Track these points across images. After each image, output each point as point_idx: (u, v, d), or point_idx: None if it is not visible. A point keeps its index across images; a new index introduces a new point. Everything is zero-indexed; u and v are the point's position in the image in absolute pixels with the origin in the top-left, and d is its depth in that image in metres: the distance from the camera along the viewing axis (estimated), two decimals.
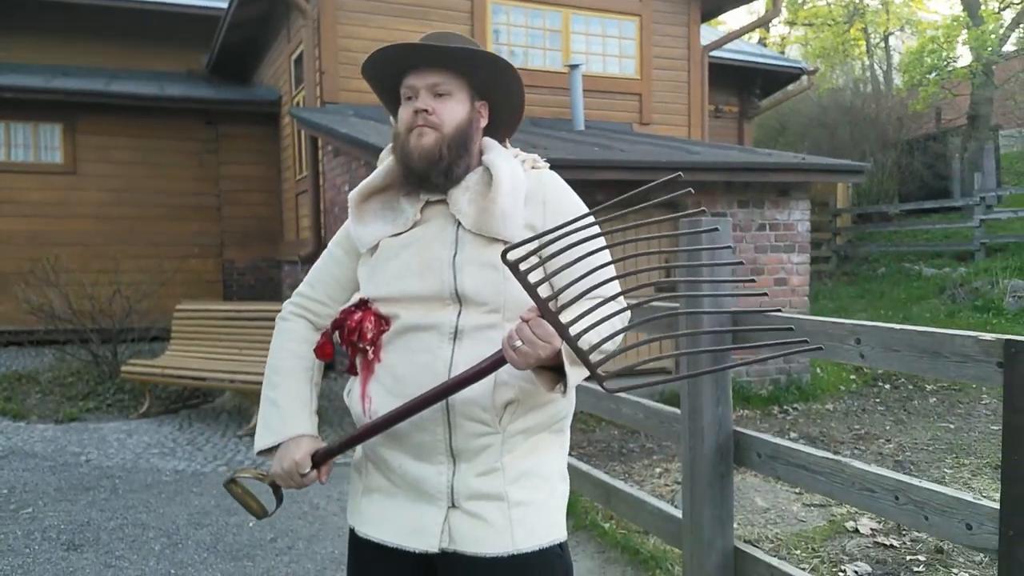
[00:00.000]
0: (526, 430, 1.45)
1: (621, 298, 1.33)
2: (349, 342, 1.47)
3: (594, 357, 1.28)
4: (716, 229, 1.09)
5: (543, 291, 1.25)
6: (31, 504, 4.17)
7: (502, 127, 1.59)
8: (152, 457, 5.07)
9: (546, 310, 1.23)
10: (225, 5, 9.25)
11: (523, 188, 1.47)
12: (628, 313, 1.45)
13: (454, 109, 1.47)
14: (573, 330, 1.24)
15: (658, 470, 4.60)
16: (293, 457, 1.49)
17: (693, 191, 1.28)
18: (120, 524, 3.90)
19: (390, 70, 1.51)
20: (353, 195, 1.55)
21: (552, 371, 1.34)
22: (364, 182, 1.56)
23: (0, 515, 4.01)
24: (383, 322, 1.46)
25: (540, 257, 1.31)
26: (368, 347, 1.45)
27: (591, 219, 1.25)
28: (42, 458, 5.03)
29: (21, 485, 4.49)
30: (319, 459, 1.50)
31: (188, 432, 5.68)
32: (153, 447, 5.29)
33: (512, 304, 1.40)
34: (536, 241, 1.24)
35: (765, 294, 1.33)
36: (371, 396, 1.45)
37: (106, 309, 7.03)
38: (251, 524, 3.85)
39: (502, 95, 1.54)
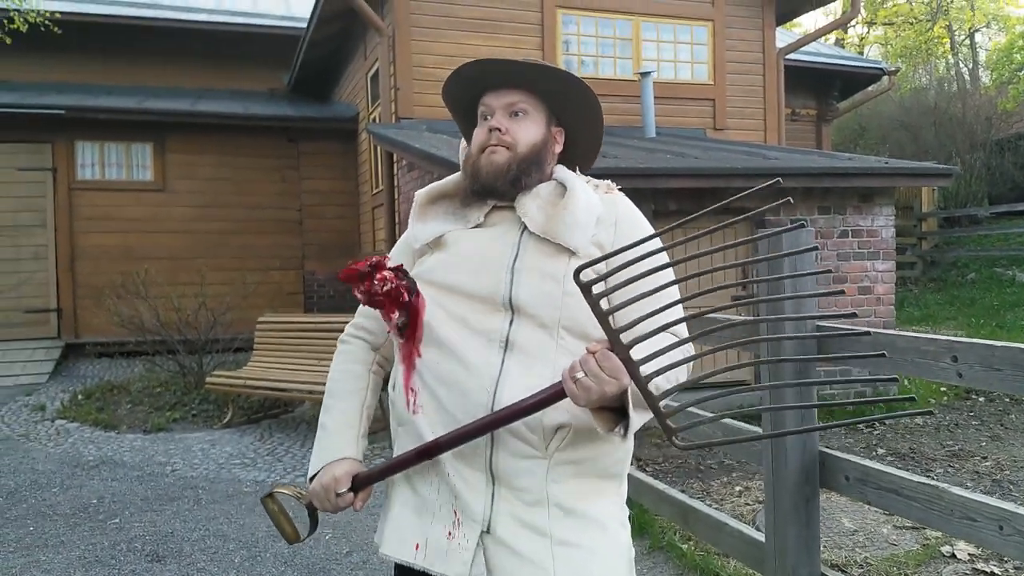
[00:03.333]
0: (576, 462, 1.33)
1: (691, 343, 1.24)
2: (386, 288, 1.34)
3: (664, 405, 1.16)
4: (803, 224, 1.00)
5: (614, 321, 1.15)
6: (118, 514, 4.31)
7: (578, 158, 1.53)
8: (234, 467, 5.21)
9: (617, 343, 1.12)
10: (304, 25, 9.53)
11: (596, 209, 1.40)
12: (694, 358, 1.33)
13: (529, 129, 1.43)
14: (644, 370, 1.14)
15: (738, 488, 4.47)
16: (333, 473, 1.43)
17: (792, 200, 1.17)
18: (202, 535, 4.00)
19: (468, 90, 1.49)
20: (420, 193, 1.52)
21: (613, 412, 1.23)
22: (433, 184, 1.53)
23: (89, 525, 4.16)
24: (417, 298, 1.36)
25: (607, 284, 1.22)
26: (401, 306, 1.34)
27: (661, 247, 1.18)
28: (131, 468, 5.21)
29: (110, 495, 4.65)
30: (359, 483, 1.43)
31: (268, 442, 5.82)
32: (235, 457, 5.44)
33: (568, 323, 1.31)
34: (611, 262, 1.16)
35: (854, 314, 1.24)
36: (415, 389, 1.37)
37: (192, 321, 7.29)
38: (327, 537, 3.91)
39: (579, 122, 1.49)
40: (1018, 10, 20.30)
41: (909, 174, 6.65)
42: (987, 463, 4.86)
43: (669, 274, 1.22)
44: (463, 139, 1.58)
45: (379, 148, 8.15)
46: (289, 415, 6.69)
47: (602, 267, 1.26)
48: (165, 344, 7.38)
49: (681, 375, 1.25)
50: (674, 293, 1.29)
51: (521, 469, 1.30)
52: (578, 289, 1.22)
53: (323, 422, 1.51)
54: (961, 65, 20.11)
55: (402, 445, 1.41)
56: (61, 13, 8.38)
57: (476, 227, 1.42)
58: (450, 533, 1.33)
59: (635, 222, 1.44)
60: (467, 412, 1.30)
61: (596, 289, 1.13)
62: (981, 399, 6.50)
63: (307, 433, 6.05)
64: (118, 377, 8.09)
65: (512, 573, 1.29)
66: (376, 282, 1.33)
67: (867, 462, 2.38)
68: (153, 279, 7.77)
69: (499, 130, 1.41)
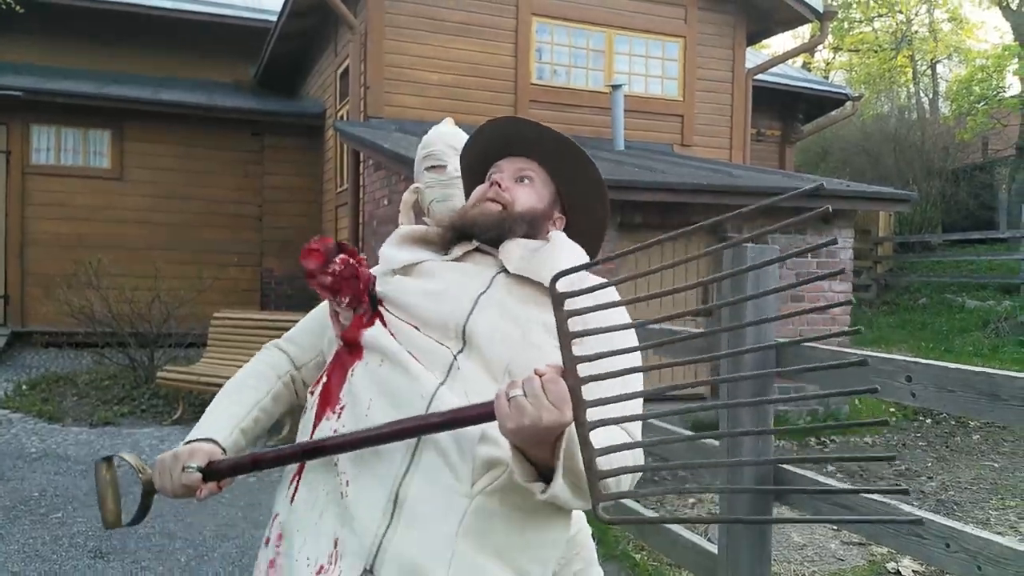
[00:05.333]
0: (493, 529, 1.10)
1: (639, 432, 1.15)
2: (346, 271, 1.23)
3: (602, 472, 0.98)
4: (835, 242, 0.93)
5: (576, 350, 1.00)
6: (61, 508, 4.19)
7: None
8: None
9: (572, 372, 0.96)
10: (274, 18, 9.42)
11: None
12: (641, 452, 1.15)
13: (530, 196, 1.40)
14: (591, 415, 0.97)
15: (691, 500, 4.50)
16: (190, 447, 1.22)
17: (831, 210, 1.03)
18: (148, 533, 3.89)
19: (486, 152, 1.47)
20: (402, 229, 1.45)
21: (534, 467, 1.05)
22: (415, 227, 1.46)
23: (30, 519, 4.03)
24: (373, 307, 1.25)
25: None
26: (358, 297, 1.24)
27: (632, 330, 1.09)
28: (75, 461, 5.06)
29: (52, 488, 4.52)
30: (217, 470, 1.21)
31: None
32: None
33: (518, 370, 1.15)
34: (594, 289, 1.01)
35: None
36: (341, 399, 1.22)
37: (145, 314, 7.13)
38: None
39: (585, 220, 1.45)
40: (978, 44, 20.99)
41: (869, 198, 6.80)
42: (932, 483, 4.97)
43: (638, 357, 1.12)
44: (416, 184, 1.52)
45: (346, 146, 8.08)
46: None
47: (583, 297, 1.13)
48: (116, 336, 7.20)
49: (628, 458, 1.08)
50: (639, 379, 1.19)
51: (433, 502, 1.09)
52: (540, 341, 1.16)
53: (208, 409, 1.36)
54: (922, 95, 20.70)
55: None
56: None
57: (453, 260, 1.36)
58: (321, 568, 1.11)
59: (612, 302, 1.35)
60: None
61: (570, 305, 0.99)
62: (928, 421, 6.65)
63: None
64: (65, 368, 7.87)
65: None
66: (337, 263, 1.23)
67: (821, 477, 2.41)
68: (106, 269, 7.58)
69: (499, 185, 1.39)
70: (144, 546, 3.73)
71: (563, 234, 1.40)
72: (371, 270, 1.40)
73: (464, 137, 2.26)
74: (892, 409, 6.82)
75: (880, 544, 2.35)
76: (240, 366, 5.44)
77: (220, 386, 5.32)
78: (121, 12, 9.77)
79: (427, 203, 2.16)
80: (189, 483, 1.20)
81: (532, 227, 1.37)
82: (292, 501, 1.19)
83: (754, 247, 2.59)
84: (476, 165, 1.51)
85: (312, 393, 1.28)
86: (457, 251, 1.36)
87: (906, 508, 2.11)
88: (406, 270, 1.34)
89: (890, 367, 2.13)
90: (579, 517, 2.00)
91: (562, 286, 1.00)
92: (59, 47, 10.05)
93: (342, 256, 1.23)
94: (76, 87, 8.96)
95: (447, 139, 2.30)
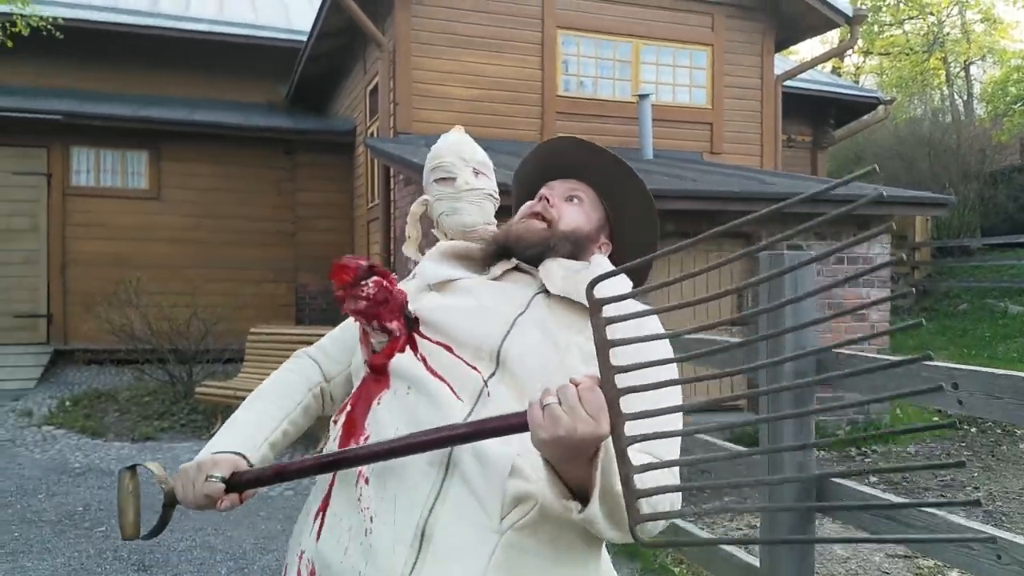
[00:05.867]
0: (534, 553, 1.06)
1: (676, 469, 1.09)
2: (379, 294, 1.18)
3: (640, 491, 0.92)
4: (891, 227, 0.83)
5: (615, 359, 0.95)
6: (105, 523, 4.26)
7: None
8: None
9: (609, 383, 0.92)
10: (304, 39, 9.57)
11: (623, 289, 1.29)
12: (678, 471, 1.11)
13: (578, 216, 1.37)
14: (629, 429, 0.92)
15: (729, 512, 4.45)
16: (214, 458, 1.18)
17: (894, 226, 0.93)
18: (189, 546, 3.95)
19: (541, 170, 1.46)
20: (443, 244, 1.44)
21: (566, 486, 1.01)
22: (457, 243, 1.45)
23: (75, 532, 4.11)
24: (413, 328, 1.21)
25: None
26: (392, 321, 1.20)
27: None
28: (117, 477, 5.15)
29: (96, 503, 4.60)
30: (240, 481, 1.17)
31: None
32: None
33: None
34: (633, 296, 0.98)
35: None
36: (367, 428, 1.18)
37: (183, 331, 7.25)
38: None
39: (631, 240, 1.43)
40: (1013, 44, 20.61)
41: (906, 203, 6.69)
42: (979, 493, 4.85)
43: (675, 369, 1.08)
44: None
45: (376, 162, 8.15)
46: None
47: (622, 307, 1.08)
48: (155, 353, 7.33)
49: (667, 476, 1.05)
50: (677, 394, 1.14)
51: (461, 537, 1.06)
52: (581, 370, 1.09)
53: (234, 416, 1.31)
54: (956, 97, 20.35)
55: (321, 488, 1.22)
56: (63, 19, 8.37)
57: (492, 279, 1.31)
58: None
59: (656, 330, 1.25)
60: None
61: (608, 311, 0.95)
62: (973, 430, 6.50)
63: (296, 446, 6.00)
64: (106, 385, 8.02)
65: None
66: (370, 286, 1.17)
67: (866, 488, 2.37)
68: (145, 287, 7.73)
69: (547, 201, 1.37)
70: (186, 559, 3.78)
71: (606, 258, 1.37)
72: (405, 283, 1.37)
73: (474, 146, 2.27)
74: (935, 418, 6.68)
75: (929, 556, 2.30)
76: None
77: None
78: (156, 36, 9.99)
79: (436, 216, 2.16)
80: (211, 492, 1.16)
81: (577, 248, 1.33)
82: (319, 539, 1.16)
83: (791, 253, 2.56)
84: (530, 183, 1.48)
85: (335, 423, 1.24)
86: (496, 270, 1.32)
87: (958, 520, 2.07)
88: (442, 286, 1.31)
89: (936, 374, 2.09)
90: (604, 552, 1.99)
91: (599, 293, 0.95)
92: (96, 71, 10.29)
93: (375, 279, 1.18)
94: (113, 110, 9.17)
95: (456, 150, 2.27)
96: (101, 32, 9.81)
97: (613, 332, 0.94)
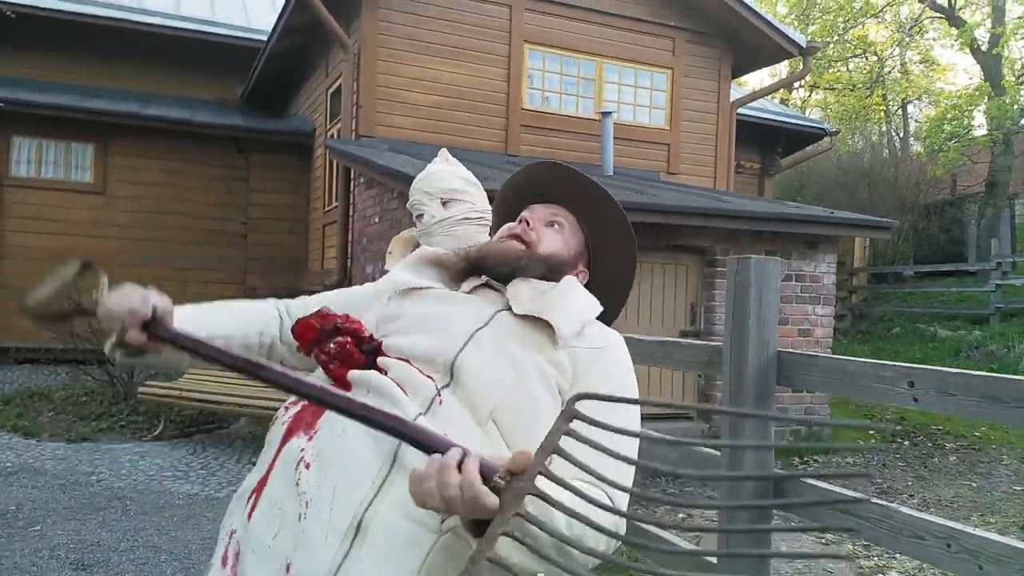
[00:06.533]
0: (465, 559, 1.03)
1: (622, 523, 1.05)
2: (338, 354, 1.17)
3: (508, 539, 0.88)
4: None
5: (558, 466, 0.92)
6: (39, 522, 4.09)
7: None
8: (165, 480, 5.00)
9: (530, 477, 0.90)
10: (262, 38, 9.46)
11: (591, 314, 1.29)
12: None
13: (556, 241, 1.37)
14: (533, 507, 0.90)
15: (680, 515, 4.51)
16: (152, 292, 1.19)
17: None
18: (131, 546, 3.82)
19: (523, 194, 1.46)
20: (423, 250, 1.42)
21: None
22: (436, 249, 1.43)
23: (8, 532, 3.93)
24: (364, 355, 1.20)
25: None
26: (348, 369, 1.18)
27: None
28: (52, 476, 4.95)
29: (30, 502, 4.41)
30: (160, 327, 1.15)
31: (202, 456, 5.61)
32: (166, 470, 5.23)
33: (504, 416, 1.11)
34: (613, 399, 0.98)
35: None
36: (317, 427, 1.13)
37: None
38: None
39: (609, 269, 1.43)
40: (948, 85, 21.64)
41: (852, 224, 6.96)
42: (914, 500, 5.05)
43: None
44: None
45: (336, 164, 8.09)
46: (224, 431, 6.47)
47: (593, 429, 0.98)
48: (95, 352, 7.07)
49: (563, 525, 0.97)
50: (630, 473, 1.10)
51: (398, 534, 1.03)
52: (537, 393, 1.12)
53: (193, 306, 1.32)
54: (893, 133, 21.24)
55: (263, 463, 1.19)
56: (4, 3, 8.08)
57: (462, 293, 1.31)
58: None
59: (622, 370, 1.27)
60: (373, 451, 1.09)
61: (579, 429, 0.93)
62: (906, 443, 6.75)
63: (242, 449, 5.86)
64: (40, 384, 7.71)
65: None
66: (332, 347, 1.18)
67: (824, 484, 2.43)
68: (86, 284, 7.46)
69: (527, 223, 1.37)
70: (128, 559, 3.65)
71: (576, 280, 1.36)
72: (376, 284, 1.40)
73: (442, 175, 2.30)
74: (871, 431, 6.91)
75: (881, 546, 2.37)
76: (224, 382, 5.37)
77: (204, 402, 5.23)
78: (108, 27, 9.72)
79: None
80: (136, 308, 1.15)
81: (550, 272, 1.33)
82: (250, 519, 1.13)
83: (758, 259, 2.62)
84: (511, 204, 1.48)
85: (287, 409, 1.21)
86: (466, 286, 1.32)
87: (913, 514, 2.14)
88: (408, 293, 1.30)
89: (891, 373, 2.17)
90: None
91: (582, 408, 0.94)
92: (44, 60, 9.98)
93: (339, 339, 1.18)
94: (59, 99, 8.89)
95: (422, 185, 2.32)
96: (51, 20, 9.51)
97: (568, 442, 0.93)
